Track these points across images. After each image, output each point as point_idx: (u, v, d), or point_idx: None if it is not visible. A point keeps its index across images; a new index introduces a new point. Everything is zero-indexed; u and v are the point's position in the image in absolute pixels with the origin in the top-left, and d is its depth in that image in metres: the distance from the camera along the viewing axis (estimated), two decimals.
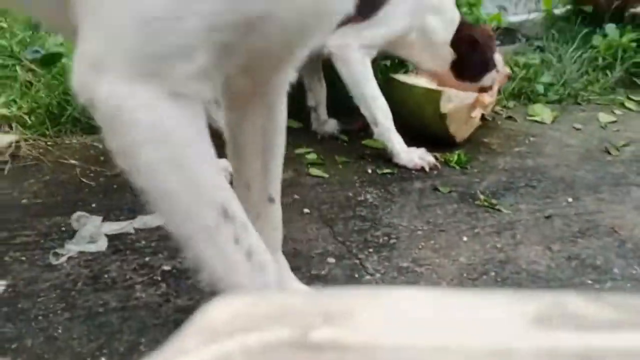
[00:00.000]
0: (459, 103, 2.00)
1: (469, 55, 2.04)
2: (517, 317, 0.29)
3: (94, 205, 1.52)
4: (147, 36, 0.66)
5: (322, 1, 0.74)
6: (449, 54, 2.05)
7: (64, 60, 2.06)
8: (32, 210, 1.47)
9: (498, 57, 2.24)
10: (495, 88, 2.23)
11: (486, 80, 2.12)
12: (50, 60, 2.06)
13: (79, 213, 1.42)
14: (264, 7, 0.69)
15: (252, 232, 0.76)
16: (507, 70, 2.28)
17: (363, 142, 2.07)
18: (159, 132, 0.68)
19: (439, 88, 2.04)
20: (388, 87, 1.91)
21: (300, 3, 0.72)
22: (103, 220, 1.41)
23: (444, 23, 2.02)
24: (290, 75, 0.95)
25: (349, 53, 1.88)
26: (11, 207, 1.48)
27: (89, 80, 0.69)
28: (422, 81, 2.12)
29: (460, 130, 2.06)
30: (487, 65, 2.11)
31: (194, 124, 0.71)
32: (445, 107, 1.97)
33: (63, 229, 1.39)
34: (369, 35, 1.88)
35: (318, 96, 2.16)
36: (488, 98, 2.09)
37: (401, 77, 2.16)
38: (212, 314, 0.32)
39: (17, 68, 2.08)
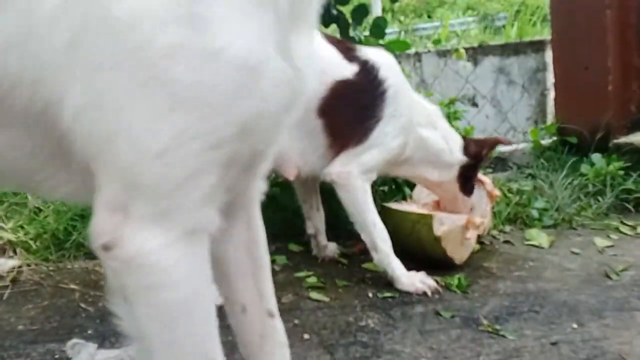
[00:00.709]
0: (452, 225, 2.06)
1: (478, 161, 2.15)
2: None
3: (90, 331, 1.49)
4: (161, 168, 0.69)
5: (297, 83, 0.77)
6: (454, 162, 2.14)
7: None
8: (28, 336, 1.45)
9: (487, 179, 2.33)
10: (488, 208, 2.29)
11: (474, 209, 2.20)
12: None
13: (74, 340, 1.39)
14: (256, 109, 0.71)
15: None
16: (497, 191, 2.35)
17: (363, 265, 2.08)
18: (173, 277, 0.72)
19: (431, 212, 2.11)
20: (382, 216, 1.97)
21: (282, 90, 0.74)
22: (99, 347, 1.38)
23: (441, 134, 2.12)
24: (261, 185, 0.96)
25: (351, 180, 1.93)
26: (7, 333, 1.45)
27: (110, 225, 0.71)
28: (413, 207, 2.21)
29: (457, 252, 2.09)
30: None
31: (203, 268, 0.75)
32: (439, 229, 2.02)
33: (57, 356, 1.36)
34: (368, 158, 1.95)
35: (317, 224, 2.19)
36: (479, 219, 2.15)
37: (393, 205, 2.25)
38: None
39: (28, 195, 2.16)
